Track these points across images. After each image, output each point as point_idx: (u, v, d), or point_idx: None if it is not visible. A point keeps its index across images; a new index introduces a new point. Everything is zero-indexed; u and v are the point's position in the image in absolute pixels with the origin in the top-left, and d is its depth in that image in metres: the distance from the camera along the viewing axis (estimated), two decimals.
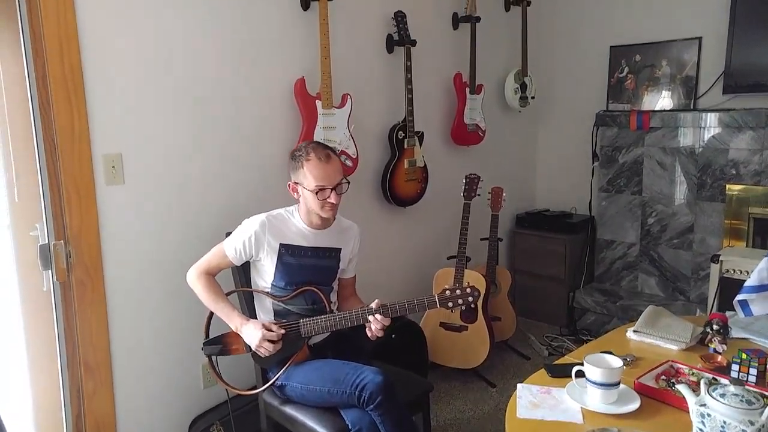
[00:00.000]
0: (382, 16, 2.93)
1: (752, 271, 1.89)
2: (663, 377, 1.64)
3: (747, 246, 3.17)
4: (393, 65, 3.00)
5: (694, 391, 1.39)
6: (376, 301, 1.85)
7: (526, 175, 4.16)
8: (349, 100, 2.62)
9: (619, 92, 3.68)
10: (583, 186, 3.89)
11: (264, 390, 2.02)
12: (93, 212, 2.04)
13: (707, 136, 3.30)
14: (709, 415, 1.28)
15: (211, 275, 2.00)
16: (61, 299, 2.05)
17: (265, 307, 2.03)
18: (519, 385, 1.66)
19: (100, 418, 2.12)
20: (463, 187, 3.01)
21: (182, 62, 2.22)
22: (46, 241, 1.99)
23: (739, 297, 1.88)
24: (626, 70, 3.63)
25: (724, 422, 1.25)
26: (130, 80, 2.09)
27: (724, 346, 1.80)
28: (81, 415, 2.10)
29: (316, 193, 1.89)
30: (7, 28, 1.92)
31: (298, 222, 2.00)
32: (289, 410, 1.96)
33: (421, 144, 3.04)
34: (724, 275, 2.62)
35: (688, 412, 1.35)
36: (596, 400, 1.51)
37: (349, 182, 1.99)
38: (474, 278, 2.91)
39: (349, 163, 2.65)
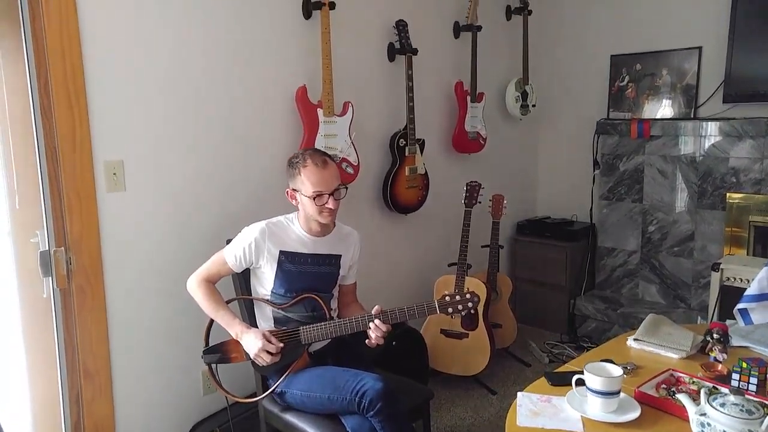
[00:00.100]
0: (384, 24, 2.95)
1: (752, 280, 1.89)
2: (663, 386, 1.64)
3: (748, 254, 3.17)
4: (394, 73, 3.02)
5: (694, 400, 1.39)
6: (377, 307, 1.85)
7: (527, 182, 4.16)
8: (350, 108, 2.63)
9: (620, 101, 3.69)
10: (584, 194, 3.90)
11: (264, 397, 2.01)
12: (94, 219, 2.05)
13: (707, 144, 3.30)
14: (709, 424, 1.28)
15: (211, 283, 2.00)
16: (61, 306, 2.05)
17: (265, 315, 2.03)
18: (519, 394, 1.65)
19: (99, 425, 2.11)
20: (464, 194, 3.02)
21: (185, 72, 2.23)
22: (47, 248, 1.99)
23: (740, 306, 1.88)
24: (627, 78, 3.64)
25: None
26: (132, 88, 2.10)
27: (725, 355, 1.80)
28: (80, 422, 2.10)
29: (314, 199, 1.90)
30: (10, 34, 1.93)
31: (297, 229, 2.01)
32: (289, 417, 1.96)
33: (422, 151, 3.05)
34: (725, 283, 2.62)
35: (689, 422, 1.35)
36: (596, 408, 1.51)
37: (347, 188, 2.00)
38: (475, 285, 2.91)
39: (350, 170, 2.66)
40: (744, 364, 1.63)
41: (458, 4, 3.33)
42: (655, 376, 1.68)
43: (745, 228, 3.20)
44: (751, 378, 1.62)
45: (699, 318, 3.25)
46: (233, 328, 1.93)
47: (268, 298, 2.00)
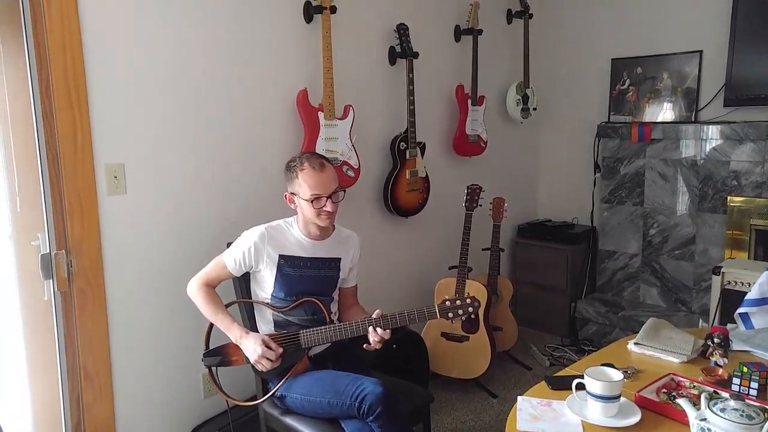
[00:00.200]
0: (385, 28, 2.95)
1: (753, 284, 1.89)
2: (664, 390, 1.64)
3: (749, 257, 3.17)
4: (395, 77, 3.02)
5: (695, 404, 1.39)
6: (377, 311, 1.84)
7: (527, 185, 4.16)
8: (351, 112, 2.64)
9: (621, 104, 3.69)
10: (585, 197, 3.90)
11: (264, 401, 2.01)
12: (95, 222, 2.05)
13: (708, 148, 3.30)
14: (709, 429, 1.28)
15: (211, 287, 2.01)
16: (62, 308, 2.05)
17: (265, 318, 2.03)
18: (519, 398, 1.65)
19: (99, 427, 2.11)
20: (465, 197, 3.02)
21: (185, 72, 2.24)
22: (48, 251, 2.00)
23: (740, 310, 1.87)
24: (628, 82, 3.65)
25: None
26: (132, 88, 2.10)
27: (726, 359, 1.80)
28: (80, 424, 2.10)
29: (312, 202, 1.90)
30: (11, 37, 1.94)
31: (296, 233, 2.01)
32: (290, 421, 1.95)
33: (422, 155, 3.05)
34: (726, 287, 2.61)
35: (689, 426, 1.35)
36: (597, 413, 1.50)
37: (344, 191, 2.00)
38: (475, 288, 2.91)
39: (351, 173, 2.66)
40: (745, 369, 1.63)
41: (459, 7, 3.33)
42: (656, 381, 1.68)
43: (746, 231, 3.20)
44: (751, 382, 1.61)
45: (701, 321, 3.25)
46: (232, 332, 1.93)
47: (268, 301, 2.00)
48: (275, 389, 1.93)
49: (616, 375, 1.54)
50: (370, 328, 1.82)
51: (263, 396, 2.01)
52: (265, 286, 2.00)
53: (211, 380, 1.99)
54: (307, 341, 1.92)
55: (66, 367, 2.08)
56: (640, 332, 2.01)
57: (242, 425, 2.31)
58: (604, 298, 3.79)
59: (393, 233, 3.16)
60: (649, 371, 1.79)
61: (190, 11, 2.22)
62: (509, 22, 3.74)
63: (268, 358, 1.86)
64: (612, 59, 3.69)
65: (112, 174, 2.08)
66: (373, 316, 1.84)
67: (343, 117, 2.62)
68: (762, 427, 1.23)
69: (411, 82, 2.91)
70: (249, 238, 1.96)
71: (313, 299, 1.97)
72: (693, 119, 3.40)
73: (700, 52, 3.37)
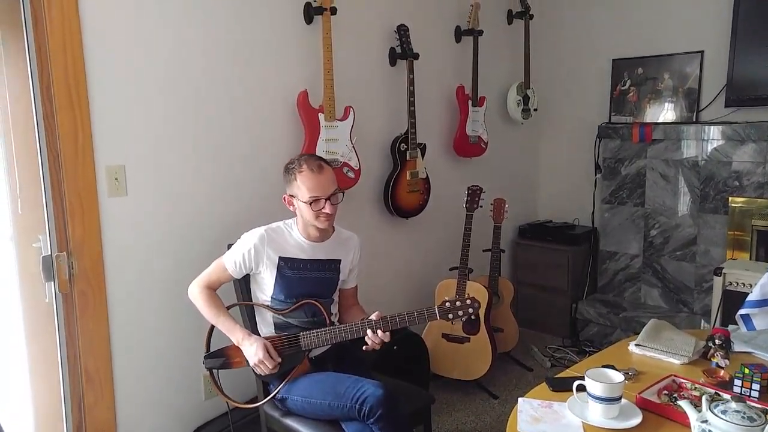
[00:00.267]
0: (385, 29, 2.95)
1: (755, 285, 1.88)
2: (665, 392, 1.63)
3: (750, 258, 3.17)
4: (395, 78, 3.02)
5: (696, 406, 1.39)
6: (377, 312, 1.85)
7: (528, 186, 4.16)
8: (351, 113, 2.64)
9: (622, 104, 3.68)
10: (586, 197, 3.89)
11: (264, 403, 2.01)
12: (96, 224, 2.05)
13: (710, 148, 3.30)
14: (710, 431, 1.28)
15: (212, 289, 2.00)
16: (63, 310, 2.06)
17: (265, 320, 2.03)
18: (520, 399, 1.65)
19: (100, 429, 2.12)
20: (465, 198, 3.02)
21: (185, 72, 2.24)
22: (49, 253, 2.00)
23: (742, 311, 1.87)
24: (629, 82, 3.64)
25: None
26: (132, 89, 2.10)
27: (727, 361, 1.79)
28: (82, 426, 2.10)
29: (311, 204, 1.89)
30: (12, 39, 1.94)
31: (296, 235, 2.01)
32: (290, 422, 1.95)
33: (423, 156, 3.05)
34: (727, 288, 2.61)
35: (690, 428, 1.35)
36: (597, 414, 1.50)
37: (343, 192, 2.00)
38: (476, 289, 2.91)
39: (351, 174, 2.66)
40: (746, 370, 1.63)
41: (459, 8, 3.33)
42: (657, 382, 1.68)
43: (747, 232, 3.20)
44: (753, 384, 1.61)
45: (702, 322, 3.24)
46: (234, 334, 1.93)
47: (269, 303, 2.00)
48: (276, 391, 1.93)
49: (617, 376, 1.54)
50: (369, 331, 1.82)
51: (264, 398, 2.01)
52: (265, 288, 2.00)
53: (212, 382, 2.00)
54: (307, 343, 1.92)
55: (67, 369, 2.08)
56: (641, 333, 2.01)
57: (243, 427, 2.31)
58: (605, 299, 3.78)
59: (393, 234, 3.15)
60: (650, 373, 1.79)
61: (190, 11, 2.23)
62: (510, 22, 3.74)
63: (266, 364, 1.86)
64: (613, 60, 3.69)
65: (112, 176, 2.08)
66: (372, 317, 1.84)
67: (344, 118, 2.62)
68: (763, 429, 1.23)
69: (411, 83, 2.91)
70: (248, 240, 1.96)
71: (313, 301, 1.96)
72: (694, 120, 3.40)
73: (701, 52, 3.36)
